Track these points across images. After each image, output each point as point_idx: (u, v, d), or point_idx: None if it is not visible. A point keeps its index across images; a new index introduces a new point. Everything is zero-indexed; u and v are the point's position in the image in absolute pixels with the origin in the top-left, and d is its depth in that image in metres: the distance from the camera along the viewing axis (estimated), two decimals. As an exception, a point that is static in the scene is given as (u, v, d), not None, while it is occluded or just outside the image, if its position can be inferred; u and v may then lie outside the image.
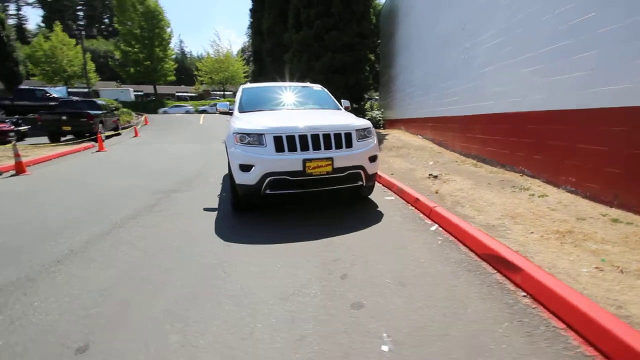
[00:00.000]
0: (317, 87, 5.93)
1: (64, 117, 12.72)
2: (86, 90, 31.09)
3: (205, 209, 4.43)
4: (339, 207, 4.43)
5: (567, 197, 4.09)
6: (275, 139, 3.67)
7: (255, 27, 22.37)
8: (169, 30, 38.33)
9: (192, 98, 52.45)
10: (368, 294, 2.36)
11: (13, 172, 7.11)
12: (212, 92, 52.80)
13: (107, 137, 13.88)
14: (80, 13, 73.01)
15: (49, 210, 4.57)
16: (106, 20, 75.11)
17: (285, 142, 3.66)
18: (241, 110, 4.91)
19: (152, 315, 2.19)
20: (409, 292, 2.39)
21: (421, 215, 4.04)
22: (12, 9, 61.16)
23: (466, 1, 7.17)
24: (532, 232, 3.15)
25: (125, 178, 6.64)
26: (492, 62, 6.14)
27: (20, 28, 58.75)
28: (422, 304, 2.24)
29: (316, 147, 3.71)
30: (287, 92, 5.49)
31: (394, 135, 10.55)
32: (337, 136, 3.81)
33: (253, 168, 3.66)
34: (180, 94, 56.73)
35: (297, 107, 5.13)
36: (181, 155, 9.66)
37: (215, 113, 33.29)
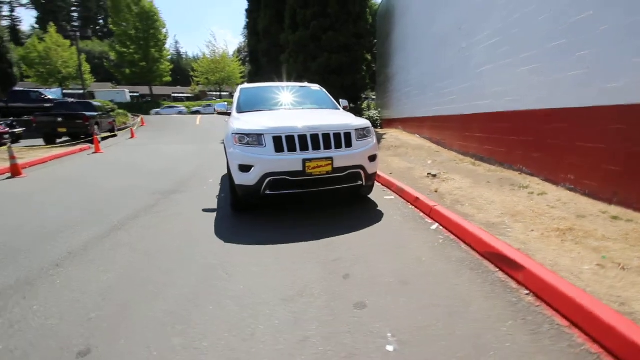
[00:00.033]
0: (315, 86, 5.92)
1: (59, 119, 12.61)
2: (81, 91, 30.90)
3: (205, 210, 4.41)
4: (338, 206, 4.42)
5: (567, 195, 4.10)
6: (274, 139, 3.66)
7: (252, 28, 22.29)
8: (164, 31, 38.15)
9: (188, 99, 52.29)
10: (371, 294, 2.35)
11: (9, 174, 7.05)
12: (208, 93, 52.62)
13: (103, 138, 13.79)
14: (75, 14, 72.57)
15: (47, 212, 4.53)
16: (101, 21, 74.80)
17: (284, 142, 3.65)
18: (239, 111, 4.89)
19: (154, 318, 2.17)
20: (411, 292, 2.38)
21: (421, 214, 4.04)
22: (5, 10, 60.72)
23: (462, 1, 7.18)
24: (532, 230, 3.15)
25: (123, 179, 6.60)
26: (489, 61, 6.15)
27: (14, 29, 58.32)
28: (425, 303, 2.23)
29: (316, 147, 3.70)
30: (285, 92, 5.47)
31: (392, 135, 10.55)
32: (337, 136, 3.80)
33: (252, 168, 3.64)
34: (176, 94, 56.50)
35: (296, 107, 5.12)
36: (179, 156, 9.62)
37: (209, 114, 33.19)
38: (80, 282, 2.66)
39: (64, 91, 32.61)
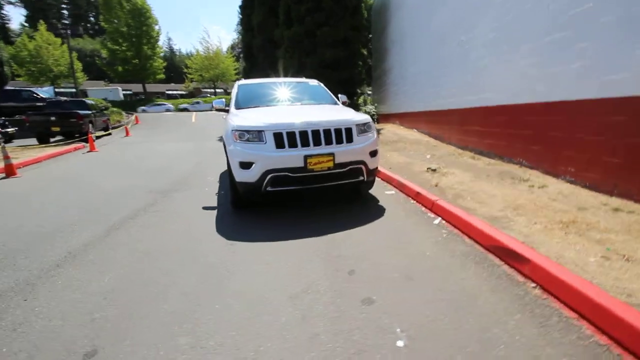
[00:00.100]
0: (314, 82, 5.87)
1: (52, 118, 12.44)
2: (74, 90, 30.54)
3: (205, 208, 4.37)
4: (340, 202, 4.41)
5: (567, 187, 4.12)
6: (275, 136, 3.62)
7: (245, 24, 22.04)
8: (157, 27, 37.82)
9: (182, 96, 51.88)
10: (377, 290, 2.34)
11: (3, 175, 6.94)
12: (202, 90, 52.24)
13: (98, 137, 13.63)
14: (65, 12, 71.46)
15: (44, 212, 4.47)
16: (92, 19, 73.73)
17: (285, 138, 3.61)
18: (238, 107, 4.84)
19: (159, 318, 2.14)
20: (418, 286, 2.37)
21: (423, 208, 4.03)
22: (-7, 8, 59.56)
23: (460, -6, 7.16)
24: (535, 223, 3.16)
25: (120, 178, 6.53)
26: (488, 54, 6.14)
27: (3, 28, 57.30)
28: (432, 297, 2.23)
29: (317, 143, 3.67)
30: (284, 87, 5.43)
31: (389, 130, 10.55)
32: (338, 131, 3.77)
33: (253, 165, 3.61)
34: (170, 92, 56.05)
35: (295, 103, 5.08)
36: (176, 154, 9.54)
37: (196, 111, 32.87)
38: (82, 283, 2.62)
39: (56, 90, 32.17)
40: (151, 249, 3.22)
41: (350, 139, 3.83)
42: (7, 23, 61.63)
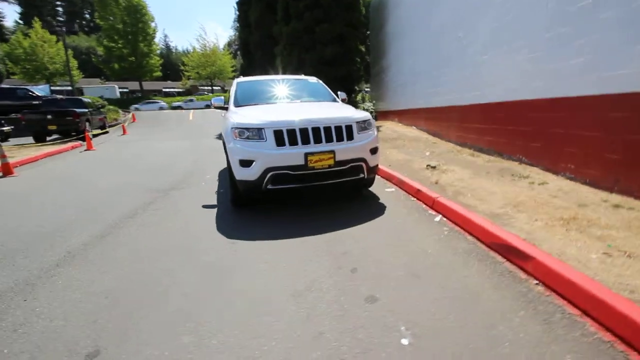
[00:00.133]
0: (313, 79, 5.85)
1: (49, 116, 12.36)
2: (70, 88, 30.31)
3: (205, 206, 4.35)
4: (340, 200, 4.40)
5: (567, 184, 4.13)
6: (275, 133, 3.60)
7: (243, 20, 21.90)
8: (153, 24, 37.52)
9: (179, 94, 51.59)
10: (381, 287, 2.34)
11: (0, 174, 6.88)
12: (199, 88, 51.98)
13: (95, 135, 13.54)
14: (59, 9, 70.81)
15: (43, 212, 4.43)
16: (87, 16, 73.10)
17: (285, 136, 3.60)
18: (237, 105, 4.81)
19: (162, 317, 2.13)
20: (421, 284, 2.37)
21: (424, 206, 4.03)
22: (-13, 5, 59.02)
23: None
24: (536, 220, 3.16)
25: (118, 176, 6.49)
26: (487, 50, 6.13)
27: (-3, 25, 56.81)
28: (435, 295, 2.23)
29: (317, 141, 3.66)
30: (283, 84, 5.40)
31: (388, 127, 10.55)
32: (338, 129, 3.75)
33: (254, 163, 3.59)
34: (167, 89, 55.69)
35: (294, 100, 5.06)
36: (173, 152, 9.50)
37: (190, 109, 32.63)
38: (82, 283, 2.60)
39: (52, 88, 31.90)
40: (151, 248, 3.20)
41: (350, 137, 3.82)
42: (2, 20, 61.08)
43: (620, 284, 2.07)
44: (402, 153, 7.11)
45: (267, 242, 3.21)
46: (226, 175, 5.95)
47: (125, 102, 35.93)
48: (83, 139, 11.19)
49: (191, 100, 38.33)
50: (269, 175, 3.59)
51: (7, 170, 6.86)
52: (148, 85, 48.94)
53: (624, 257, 2.40)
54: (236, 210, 4.16)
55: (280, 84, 5.40)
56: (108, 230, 3.69)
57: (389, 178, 5.30)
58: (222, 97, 5.69)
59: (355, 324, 1.97)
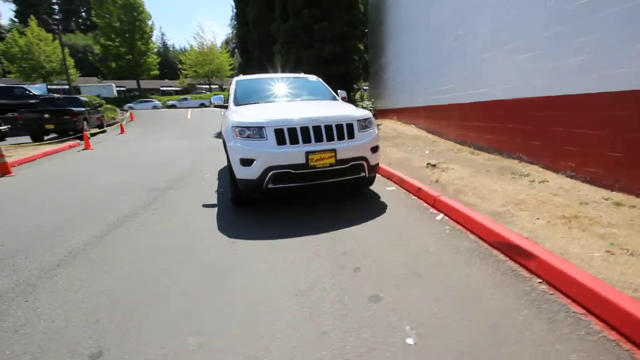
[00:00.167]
0: (313, 77, 5.83)
1: (46, 115, 12.27)
2: (66, 86, 30.12)
3: (205, 205, 4.33)
4: (341, 199, 4.39)
5: (568, 182, 4.13)
6: (276, 132, 3.59)
7: (240, 18, 21.83)
8: (150, 22, 37.35)
9: (177, 92, 51.38)
10: (384, 287, 2.33)
11: (-3, 173, 6.84)
12: (197, 86, 51.79)
13: (92, 134, 13.48)
14: (55, 7, 70.34)
15: (42, 212, 4.40)
16: (83, 14, 72.66)
17: (286, 134, 3.58)
18: (237, 103, 4.79)
19: (165, 317, 2.12)
20: (424, 283, 2.37)
21: (425, 204, 4.03)
22: (-18, 3, 58.51)
23: (458, -12, 7.12)
24: (538, 218, 3.16)
25: (117, 176, 6.46)
26: (487, 49, 6.12)
27: (-8, 23, 56.37)
28: (439, 294, 2.22)
29: (318, 139, 3.64)
30: (282, 83, 5.38)
31: (387, 125, 10.54)
32: (339, 127, 3.74)
33: (254, 162, 3.57)
34: (164, 88, 55.45)
35: (294, 99, 5.04)
36: (172, 151, 9.46)
37: (183, 108, 32.44)
38: (83, 283, 2.59)
39: (49, 87, 31.73)
40: (152, 247, 3.19)
41: (351, 135, 3.80)
42: (-3, 19, 60.62)
43: (624, 282, 2.07)
44: (401, 151, 7.11)
45: (268, 242, 3.20)
46: (226, 174, 5.94)
47: (122, 101, 35.69)
48: (81, 138, 11.13)
49: (185, 99, 38.06)
50: (269, 174, 3.57)
51: (5, 170, 6.81)
52: (145, 83, 48.77)
53: (626, 255, 2.40)
54: (236, 210, 4.14)
55: (280, 83, 5.38)
56: (108, 229, 3.66)
57: (389, 177, 5.29)
58: (222, 96, 5.66)
59: (359, 324, 1.96)
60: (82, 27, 68.54)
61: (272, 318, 2.06)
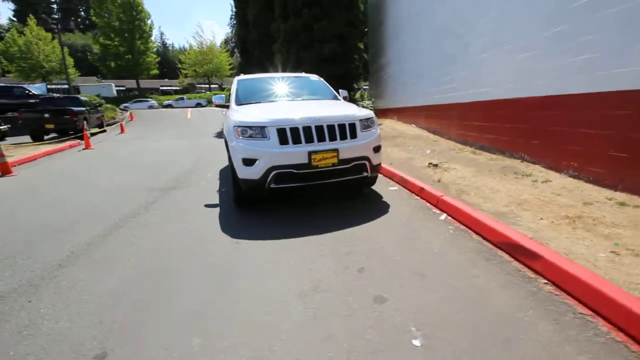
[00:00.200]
0: (314, 77, 5.81)
1: (46, 115, 12.24)
2: (66, 86, 30.06)
3: (207, 206, 4.32)
4: (343, 199, 4.38)
5: (571, 182, 4.12)
6: (278, 132, 3.57)
7: (240, 17, 21.84)
8: (149, 22, 37.27)
9: (176, 92, 51.30)
10: (389, 287, 2.32)
11: (-2, 173, 6.82)
12: (197, 85, 51.71)
13: (92, 134, 13.45)
14: (54, 6, 70.14)
15: (43, 211, 4.39)
16: (82, 13, 72.53)
17: (289, 134, 3.57)
18: (238, 103, 4.77)
19: (169, 318, 2.11)
20: (429, 284, 2.36)
21: (427, 204, 4.02)
22: (-20, 2, 58.34)
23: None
24: (541, 219, 3.15)
25: (118, 176, 6.45)
26: (489, 48, 6.11)
27: (-9, 23, 56.22)
28: (444, 295, 2.21)
29: (321, 139, 3.63)
30: (284, 82, 5.36)
31: (388, 125, 10.52)
32: (342, 127, 3.73)
33: (257, 162, 3.56)
34: (164, 87, 55.35)
35: (296, 98, 5.02)
36: (173, 151, 9.44)
37: (180, 107, 32.27)
38: (87, 284, 2.57)
39: (48, 86, 31.65)
40: (155, 248, 3.17)
41: (354, 135, 3.79)
42: (-4, 18, 60.52)
43: (630, 283, 2.06)
44: (402, 151, 7.10)
45: (272, 242, 3.18)
46: (227, 174, 5.93)
47: (122, 101, 35.57)
48: (81, 138, 11.11)
49: (182, 99, 37.85)
50: (272, 174, 3.56)
51: (6, 170, 6.79)
52: (145, 83, 48.68)
53: (632, 255, 2.39)
54: (239, 210, 4.13)
55: (281, 82, 5.37)
56: (110, 229, 3.65)
57: (391, 176, 5.28)
58: (223, 95, 5.65)
59: (365, 325, 1.95)
60: (81, 26, 68.43)
61: (276, 319, 2.05)
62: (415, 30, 9.81)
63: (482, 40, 6.29)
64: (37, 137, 12.25)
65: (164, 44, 78.14)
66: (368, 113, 4.09)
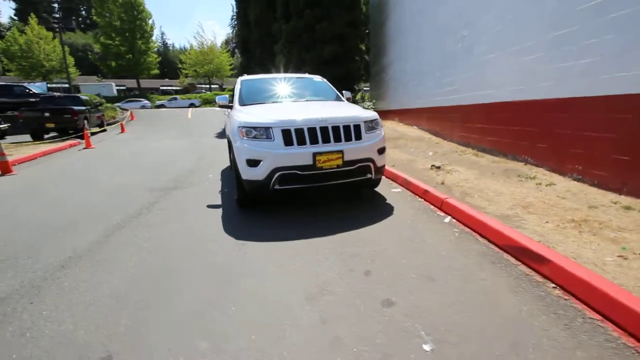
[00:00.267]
0: (318, 78, 5.80)
1: (46, 114, 12.20)
2: (66, 85, 30.01)
3: (209, 206, 4.29)
4: (347, 200, 4.36)
5: (575, 185, 4.11)
6: (283, 133, 3.55)
7: (242, 17, 21.79)
8: (150, 21, 37.30)
9: (177, 92, 51.26)
10: (396, 291, 2.30)
11: (-2, 172, 6.79)
12: (197, 85, 51.68)
13: (93, 133, 13.42)
14: (55, 5, 70.14)
15: (44, 211, 4.36)
16: (83, 12, 72.57)
17: (294, 135, 3.55)
18: (242, 104, 4.75)
19: (175, 320, 2.08)
20: (437, 287, 2.33)
21: (432, 207, 4.00)
22: (-18, 1, 58.30)
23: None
24: (547, 222, 3.14)
25: (119, 175, 6.42)
26: (492, 50, 6.10)
27: (-8, 21, 56.16)
28: (453, 299, 2.19)
29: (326, 140, 3.61)
30: (287, 83, 5.34)
31: (389, 127, 10.50)
32: (347, 128, 3.71)
33: (261, 163, 3.54)
34: (165, 87, 55.31)
35: (299, 99, 5.00)
36: (174, 151, 9.41)
37: (172, 108, 31.98)
38: (90, 285, 2.55)
39: (49, 85, 31.61)
40: (158, 248, 3.15)
41: (358, 136, 3.77)
42: (-4, 17, 60.44)
43: (639, 288, 2.04)
44: (404, 153, 7.09)
45: (277, 244, 3.16)
46: (229, 174, 5.91)
47: (121, 100, 35.48)
48: (81, 137, 11.07)
49: (175, 99, 37.33)
50: (276, 175, 3.54)
51: (6, 169, 6.76)
52: (145, 83, 48.66)
53: (639, 260, 2.38)
54: (242, 211, 4.10)
55: (285, 83, 5.35)
56: (112, 230, 3.62)
57: (394, 178, 5.26)
58: (226, 96, 5.62)
59: (374, 329, 1.93)
60: (82, 25, 68.49)
61: (283, 322, 2.03)
62: (417, 31, 9.80)
63: (485, 42, 6.28)
64: (38, 136, 12.23)
65: (164, 44, 78.25)
66: (373, 114, 4.07)
